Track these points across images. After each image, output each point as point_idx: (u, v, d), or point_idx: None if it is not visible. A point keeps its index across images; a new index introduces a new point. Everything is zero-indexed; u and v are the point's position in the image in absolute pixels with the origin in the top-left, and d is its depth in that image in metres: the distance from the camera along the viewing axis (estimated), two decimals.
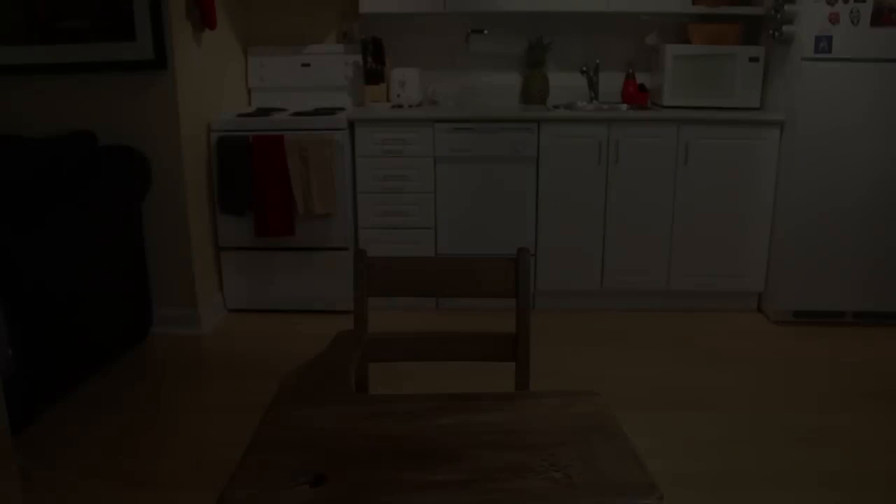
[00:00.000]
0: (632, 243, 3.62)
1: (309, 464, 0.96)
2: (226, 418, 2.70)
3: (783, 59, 3.45)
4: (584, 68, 3.92)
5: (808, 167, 3.35)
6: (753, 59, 3.56)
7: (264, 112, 3.73)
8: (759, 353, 3.24)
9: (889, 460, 2.38)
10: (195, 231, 3.44)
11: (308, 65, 4.00)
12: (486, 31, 3.98)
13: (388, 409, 1.10)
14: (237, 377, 3.06)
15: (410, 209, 3.58)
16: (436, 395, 1.14)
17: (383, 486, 0.90)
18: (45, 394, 2.73)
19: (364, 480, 0.91)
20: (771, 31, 3.44)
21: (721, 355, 3.20)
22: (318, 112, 3.68)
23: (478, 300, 1.61)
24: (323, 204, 3.49)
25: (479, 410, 1.09)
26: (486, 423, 1.06)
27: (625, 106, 3.84)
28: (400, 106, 3.80)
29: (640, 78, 3.92)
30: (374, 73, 3.86)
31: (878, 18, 3.18)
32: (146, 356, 3.26)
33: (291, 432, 1.04)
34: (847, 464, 2.36)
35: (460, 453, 0.97)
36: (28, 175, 3.06)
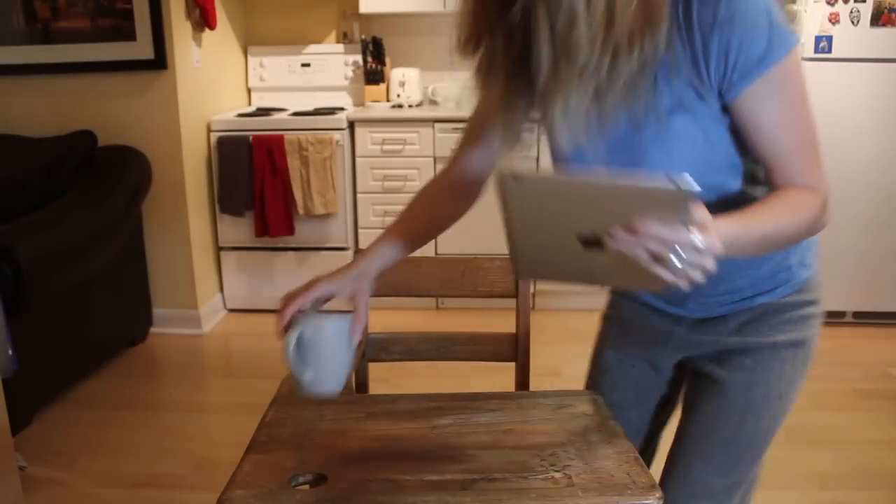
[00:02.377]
0: None
1: (309, 464, 0.96)
2: (226, 418, 2.70)
3: None
4: None
5: None
6: None
7: (264, 112, 3.73)
8: None
9: (889, 460, 2.38)
10: (195, 231, 3.44)
11: (308, 65, 4.00)
12: None
13: (388, 409, 1.10)
14: (237, 377, 3.06)
15: None
16: (436, 395, 1.14)
17: (383, 486, 0.90)
18: (45, 394, 2.73)
19: (364, 480, 0.91)
20: None
21: None
22: (318, 112, 3.68)
23: (478, 300, 1.61)
24: (323, 204, 3.49)
25: (479, 410, 1.09)
26: (486, 423, 1.06)
27: None
28: (400, 106, 3.80)
29: None
30: (374, 73, 3.86)
31: (878, 18, 3.18)
32: (146, 356, 3.26)
33: (291, 432, 1.04)
34: (846, 464, 2.36)
35: (460, 453, 0.97)
36: (28, 175, 3.06)
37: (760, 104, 0.87)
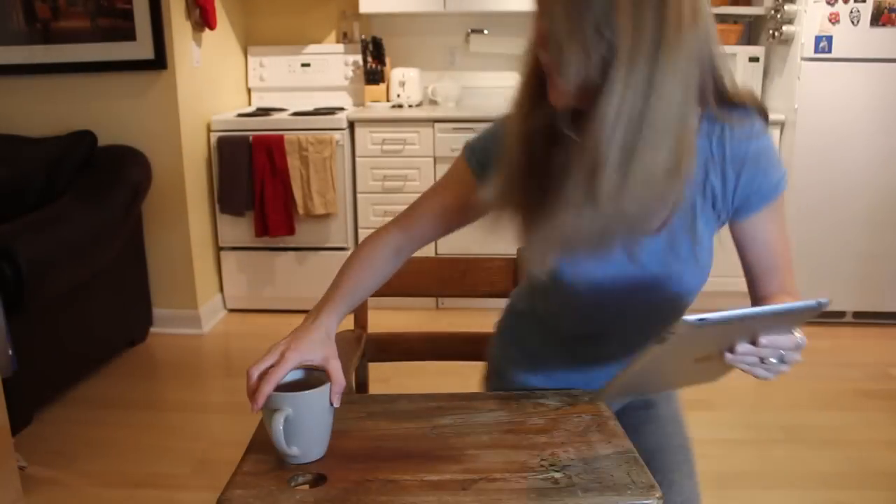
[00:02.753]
0: None
1: (308, 464, 0.96)
2: (226, 418, 2.70)
3: (783, 59, 3.45)
4: None
5: (808, 167, 3.35)
6: (753, 59, 3.56)
7: (264, 112, 3.73)
8: None
9: (889, 460, 2.38)
10: (195, 231, 3.44)
11: (308, 65, 4.01)
12: (486, 31, 3.98)
13: (388, 409, 1.10)
14: (237, 377, 3.06)
15: None
16: (436, 395, 1.14)
17: (383, 486, 0.90)
18: (45, 394, 2.73)
19: (364, 480, 0.91)
20: (771, 31, 3.44)
21: None
22: (318, 112, 3.68)
23: (478, 300, 1.61)
24: (323, 204, 3.49)
25: (479, 410, 1.09)
26: (486, 423, 1.05)
27: None
28: (400, 106, 3.80)
29: None
30: (374, 73, 3.86)
31: (878, 18, 3.18)
32: (146, 356, 3.26)
33: None
34: (847, 464, 2.36)
35: (460, 453, 0.97)
36: (28, 175, 3.06)
37: (766, 223, 1.07)
